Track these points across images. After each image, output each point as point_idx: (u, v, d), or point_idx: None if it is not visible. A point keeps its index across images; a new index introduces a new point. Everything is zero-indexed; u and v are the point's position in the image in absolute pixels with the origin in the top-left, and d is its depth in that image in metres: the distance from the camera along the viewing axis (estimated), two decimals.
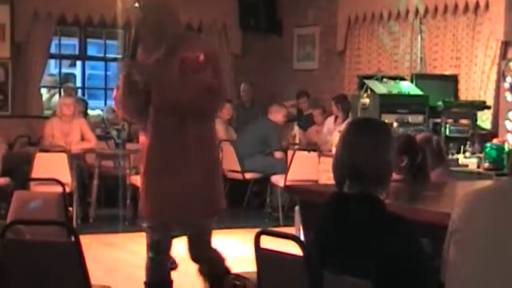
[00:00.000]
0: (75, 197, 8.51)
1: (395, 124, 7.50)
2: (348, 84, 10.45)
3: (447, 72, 8.94)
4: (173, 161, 4.41)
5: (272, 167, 9.49)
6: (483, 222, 2.52)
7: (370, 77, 8.13)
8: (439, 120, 7.80)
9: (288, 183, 8.70)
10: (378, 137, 2.81)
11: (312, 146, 9.46)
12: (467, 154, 7.46)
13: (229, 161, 9.49)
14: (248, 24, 11.76)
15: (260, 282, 3.06)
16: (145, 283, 4.79)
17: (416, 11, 9.36)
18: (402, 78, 8.32)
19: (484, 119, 8.26)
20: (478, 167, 7.14)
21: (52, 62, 12.82)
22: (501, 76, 8.21)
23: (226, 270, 4.76)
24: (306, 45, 11.61)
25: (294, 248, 2.80)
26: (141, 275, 6.61)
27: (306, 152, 9.14)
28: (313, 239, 2.89)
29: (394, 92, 7.90)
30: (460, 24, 8.97)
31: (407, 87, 8.09)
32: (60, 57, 12.09)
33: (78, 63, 12.69)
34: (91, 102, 11.76)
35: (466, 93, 8.76)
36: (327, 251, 2.76)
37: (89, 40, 11.88)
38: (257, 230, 3.08)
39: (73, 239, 3.27)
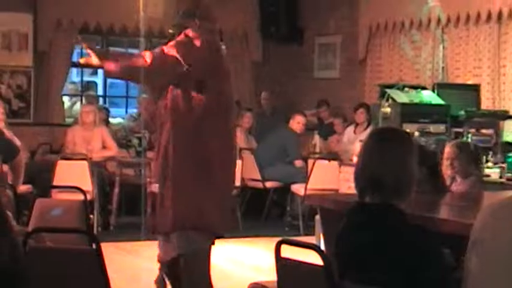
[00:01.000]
0: (96, 205, 8.54)
1: (416, 134, 7.48)
2: (369, 93, 10.43)
3: (469, 82, 8.90)
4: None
5: (292, 176, 9.48)
6: (506, 233, 2.50)
7: (391, 86, 8.11)
8: (461, 130, 7.76)
9: (308, 192, 8.70)
10: (399, 147, 2.80)
11: (332, 155, 9.45)
12: (490, 164, 7.41)
13: (250, 170, 9.50)
14: (269, 32, 11.76)
15: None
16: None
17: (438, 20, 9.33)
18: (424, 88, 8.29)
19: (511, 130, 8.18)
20: (501, 177, 7.09)
21: (74, 70, 12.90)
22: None
23: None
24: (327, 54, 11.60)
25: (314, 257, 2.80)
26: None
27: (327, 161, 9.14)
28: (333, 249, 2.89)
29: (416, 101, 7.87)
30: (482, 34, 8.93)
31: (429, 96, 8.06)
32: (82, 65, 12.16)
33: (100, 71, 12.75)
34: (112, 111, 11.82)
35: (487, 102, 8.72)
36: (347, 261, 2.76)
37: (110, 48, 11.93)
38: (277, 238, 3.09)
39: (94, 246, 3.29)
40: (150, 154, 9.54)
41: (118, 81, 13.64)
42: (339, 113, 10.72)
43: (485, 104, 8.68)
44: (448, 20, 9.25)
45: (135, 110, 11.14)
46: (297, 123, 9.80)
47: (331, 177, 8.74)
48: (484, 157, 7.50)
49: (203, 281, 4.76)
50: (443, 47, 9.28)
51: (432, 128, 7.69)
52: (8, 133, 7.05)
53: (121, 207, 9.23)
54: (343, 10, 11.08)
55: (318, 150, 9.99)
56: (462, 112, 7.77)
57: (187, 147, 4.58)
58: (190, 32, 4.71)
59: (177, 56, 4.52)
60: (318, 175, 8.95)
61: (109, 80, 12.78)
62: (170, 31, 4.82)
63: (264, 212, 9.83)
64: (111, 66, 4.56)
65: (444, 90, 8.32)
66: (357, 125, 9.95)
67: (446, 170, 5.43)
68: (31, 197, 5.85)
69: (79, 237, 4.04)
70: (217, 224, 4.68)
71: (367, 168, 2.78)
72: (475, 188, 5.32)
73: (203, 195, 4.57)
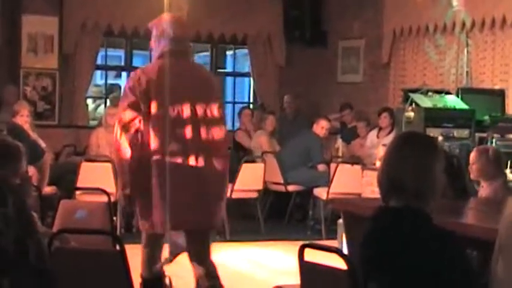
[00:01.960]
0: (119, 207, 8.57)
1: (440, 138, 7.43)
2: (392, 97, 10.40)
3: (495, 87, 8.84)
4: None
5: (315, 179, 9.47)
6: None
7: (415, 91, 8.07)
8: (485, 135, 7.71)
9: (330, 196, 8.68)
10: (422, 152, 2.79)
11: (355, 159, 9.43)
12: None
13: (272, 173, 9.50)
14: (293, 36, 11.77)
15: None
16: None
17: (463, 25, 9.28)
18: (448, 92, 8.24)
19: None
20: None
21: (98, 72, 12.98)
22: None
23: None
24: (350, 58, 11.59)
25: (337, 261, 2.80)
26: (184, 284, 6.64)
27: (349, 165, 9.11)
28: (357, 253, 2.89)
29: (439, 106, 7.83)
30: (508, 39, 8.88)
31: (453, 101, 8.02)
32: (106, 68, 12.24)
33: (124, 74, 12.83)
34: None
35: None
36: (371, 265, 2.75)
37: (134, 51, 12.00)
38: (299, 242, 3.10)
39: (118, 248, 3.31)
40: None
41: None
42: (362, 116, 10.68)
43: (511, 109, 8.62)
44: (473, 24, 9.20)
45: None
46: (321, 127, 9.78)
47: (353, 182, 8.72)
48: (509, 162, 7.46)
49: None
50: (468, 52, 9.22)
51: (456, 132, 7.64)
52: (34, 135, 7.11)
53: None
54: (367, 14, 11.06)
55: (340, 154, 9.97)
56: (486, 117, 7.71)
57: None
58: None
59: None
60: (340, 179, 8.93)
61: None
62: None
63: (286, 216, 9.82)
64: None
65: (468, 95, 8.26)
66: (380, 129, 9.92)
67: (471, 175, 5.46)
68: (55, 199, 5.90)
69: (103, 238, 4.07)
70: None
71: (390, 172, 2.77)
72: (500, 193, 5.30)
73: None
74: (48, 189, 8.31)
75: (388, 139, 9.21)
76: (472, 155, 5.58)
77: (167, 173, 4.57)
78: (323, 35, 11.87)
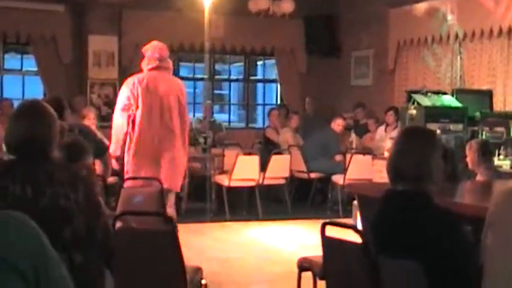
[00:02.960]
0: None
1: (438, 131, 7.37)
2: (397, 98, 10.31)
3: (484, 88, 8.74)
4: None
5: (333, 168, 9.44)
6: None
7: (416, 92, 8.01)
8: (476, 128, 7.63)
9: (346, 181, 8.65)
10: (424, 142, 2.77)
11: (366, 151, 9.38)
12: (501, 157, 7.26)
13: (297, 163, 9.48)
14: (312, 48, 11.73)
15: (325, 265, 3.06)
16: None
17: (456, 36, 9.19)
18: (444, 93, 8.16)
19: None
20: (511, 167, 6.96)
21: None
22: None
23: None
24: (361, 65, 11.51)
25: (352, 236, 2.79)
26: (224, 257, 6.66)
27: (362, 156, 9.07)
28: (370, 229, 2.87)
29: (437, 104, 7.76)
30: (494, 47, 8.76)
31: (449, 100, 7.94)
32: None
33: None
34: None
35: (499, 105, 8.55)
36: (382, 239, 2.73)
37: (180, 63, 12.04)
38: (320, 220, 3.09)
39: (170, 227, 3.32)
40: (214, 150, 9.63)
41: (187, 90, 13.76)
42: (372, 115, 10.63)
43: (498, 106, 8.51)
44: (465, 36, 9.10)
45: (200, 114, 11.21)
46: (337, 125, 9.75)
47: (365, 169, 8.68)
48: (497, 151, 7.37)
49: None
50: (461, 59, 9.13)
51: (452, 126, 7.57)
52: (99, 134, 7.16)
53: (190, 195, 9.30)
54: (374, 28, 10.98)
55: (354, 146, 9.92)
56: (477, 113, 7.63)
57: None
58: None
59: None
60: (354, 167, 8.89)
61: None
62: None
63: (309, 199, 9.80)
64: None
65: (462, 95, 8.17)
66: (387, 125, 9.85)
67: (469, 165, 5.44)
68: (117, 187, 5.94)
69: (157, 219, 4.08)
70: None
71: (397, 160, 2.76)
72: (487, 177, 5.25)
73: None
74: (111, 179, 8.38)
75: (394, 133, 9.15)
76: (466, 149, 5.58)
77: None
78: (337, 47, 11.82)
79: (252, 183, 8.87)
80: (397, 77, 10.58)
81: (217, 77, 12.85)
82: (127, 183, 5.53)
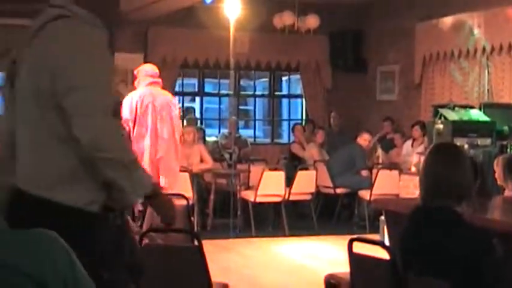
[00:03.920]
0: (196, 209, 8.63)
1: (466, 146, 7.30)
2: (424, 113, 10.24)
3: None
4: None
5: (359, 183, 9.39)
6: None
7: (443, 106, 7.95)
8: (505, 143, 7.53)
9: (373, 197, 8.60)
10: (453, 159, 2.75)
11: (393, 166, 9.32)
12: None
13: (323, 178, 9.45)
14: (338, 64, 11.72)
15: (353, 281, 3.04)
16: None
17: (484, 50, 9.12)
18: (472, 107, 8.09)
19: None
20: None
21: (176, 98, 13.10)
22: None
23: None
24: (387, 80, 11.47)
25: (380, 252, 2.77)
26: (250, 273, 6.64)
27: (388, 171, 9.02)
28: (398, 245, 2.85)
29: (465, 118, 7.69)
30: None
31: (477, 114, 7.87)
32: (182, 94, 12.35)
33: (197, 98, 12.95)
34: (208, 131, 11.96)
35: None
36: (411, 256, 2.71)
37: (206, 79, 12.11)
38: (347, 236, 3.07)
39: (196, 243, 3.32)
40: (239, 166, 9.64)
41: (212, 106, 13.84)
42: (398, 129, 10.58)
43: None
44: (492, 49, 9.02)
45: (226, 130, 11.24)
46: (364, 140, 9.73)
47: (392, 184, 8.62)
48: None
49: None
50: (488, 72, 9.05)
51: (479, 141, 7.49)
52: None
53: (216, 211, 9.30)
54: (401, 43, 10.95)
55: (380, 161, 9.87)
56: (506, 127, 7.55)
57: None
58: None
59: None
60: (381, 182, 8.84)
61: (205, 105, 12.96)
62: None
63: (335, 214, 9.75)
64: None
65: (489, 109, 8.09)
66: (413, 140, 9.79)
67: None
68: (144, 203, 5.95)
69: (183, 236, 4.09)
70: None
71: (427, 177, 2.74)
72: None
73: None
74: None
75: (421, 148, 9.09)
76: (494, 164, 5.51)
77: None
78: (363, 62, 11.79)
79: (278, 199, 8.86)
80: (424, 92, 10.52)
81: (242, 92, 12.89)
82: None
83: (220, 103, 12.53)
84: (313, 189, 9.23)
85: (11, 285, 1.39)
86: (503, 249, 2.72)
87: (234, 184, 9.01)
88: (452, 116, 7.66)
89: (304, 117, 12.42)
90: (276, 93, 12.90)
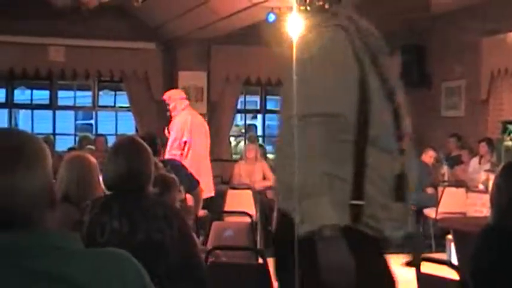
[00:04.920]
0: (259, 226, 8.64)
1: None
2: (491, 129, 10.02)
3: None
4: None
5: (424, 201, 9.22)
6: None
7: None
8: None
9: (439, 215, 8.44)
10: None
11: (459, 183, 9.13)
12: None
13: None
14: (402, 79, 11.56)
15: None
16: None
17: None
18: None
19: None
20: None
21: (238, 115, 13.22)
22: None
23: None
24: (452, 96, 11.27)
25: (446, 271, 2.72)
26: None
27: (454, 188, 8.84)
28: (468, 266, 2.79)
29: None
30: None
31: None
32: (245, 111, 12.44)
33: (259, 116, 13.01)
34: (269, 148, 11.99)
35: None
36: (480, 276, 2.65)
37: (268, 97, 12.16)
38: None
39: (261, 261, 3.33)
40: None
41: (274, 123, 13.88)
42: (465, 146, 10.38)
43: None
44: None
45: None
46: (429, 156, 9.60)
47: (458, 202, 8.44)
48: None
49: None
50: None
51: None
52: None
53: None
54: (466, 58, 10.75)
55: (446, 178, 9.68)
56: None
57: None
58: None
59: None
60: (447, 200, 8.66)
61: (266, 122, 13.01)
62: None
63: None
64: None
65: None
66: (481, 156, 9.58)
67: None
68: (207, 220, 6.02)
69: (248, 253, 4.11)
70: None
71: (500, 196, 2.68)
72: None
73: None
74: (201, 213, 8.52)
75: (489, 165, 8.89)
76: None
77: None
78: (428, 77, 11.62)
79: None
80: (491, 107, 10.29)
81: None
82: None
83: None
84: None
85: None
86: None
87: None
88: None
89: None
90: None
